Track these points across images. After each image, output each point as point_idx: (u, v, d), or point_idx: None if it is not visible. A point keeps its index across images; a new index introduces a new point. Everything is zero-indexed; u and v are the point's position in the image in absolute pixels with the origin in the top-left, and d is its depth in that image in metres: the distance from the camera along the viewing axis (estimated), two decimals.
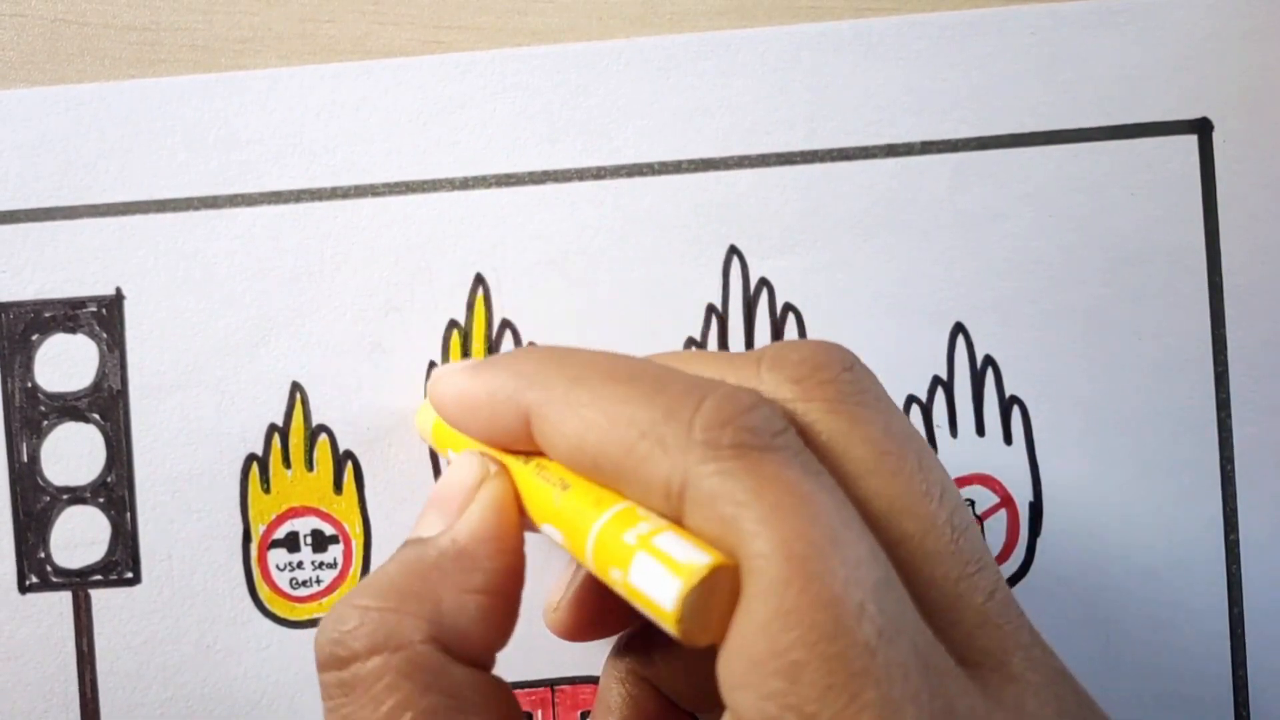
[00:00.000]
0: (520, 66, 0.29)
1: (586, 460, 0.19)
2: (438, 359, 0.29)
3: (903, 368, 0.30)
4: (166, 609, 0.29)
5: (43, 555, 0.29)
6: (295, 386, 0.29)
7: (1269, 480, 0.30)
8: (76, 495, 0.29)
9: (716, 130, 0.29)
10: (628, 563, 0.17)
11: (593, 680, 0.30)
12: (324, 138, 0.29)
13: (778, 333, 0.30)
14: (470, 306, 0.29)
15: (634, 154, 0.29)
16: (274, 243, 0.29)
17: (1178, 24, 0.29)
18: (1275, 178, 0.29)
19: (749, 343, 0.30)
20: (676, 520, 0.18)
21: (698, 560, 0.17)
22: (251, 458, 0.29)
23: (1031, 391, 0.30)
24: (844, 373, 0.20)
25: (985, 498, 0.30)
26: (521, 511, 0.21)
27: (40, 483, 0.29)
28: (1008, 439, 0.30)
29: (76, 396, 0.29)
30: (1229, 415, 0.30)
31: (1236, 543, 0.30)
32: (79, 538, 0.29)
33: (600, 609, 0.23)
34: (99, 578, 0.29)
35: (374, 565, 0.30)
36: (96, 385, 0.29)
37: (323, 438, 0.29)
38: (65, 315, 0.29)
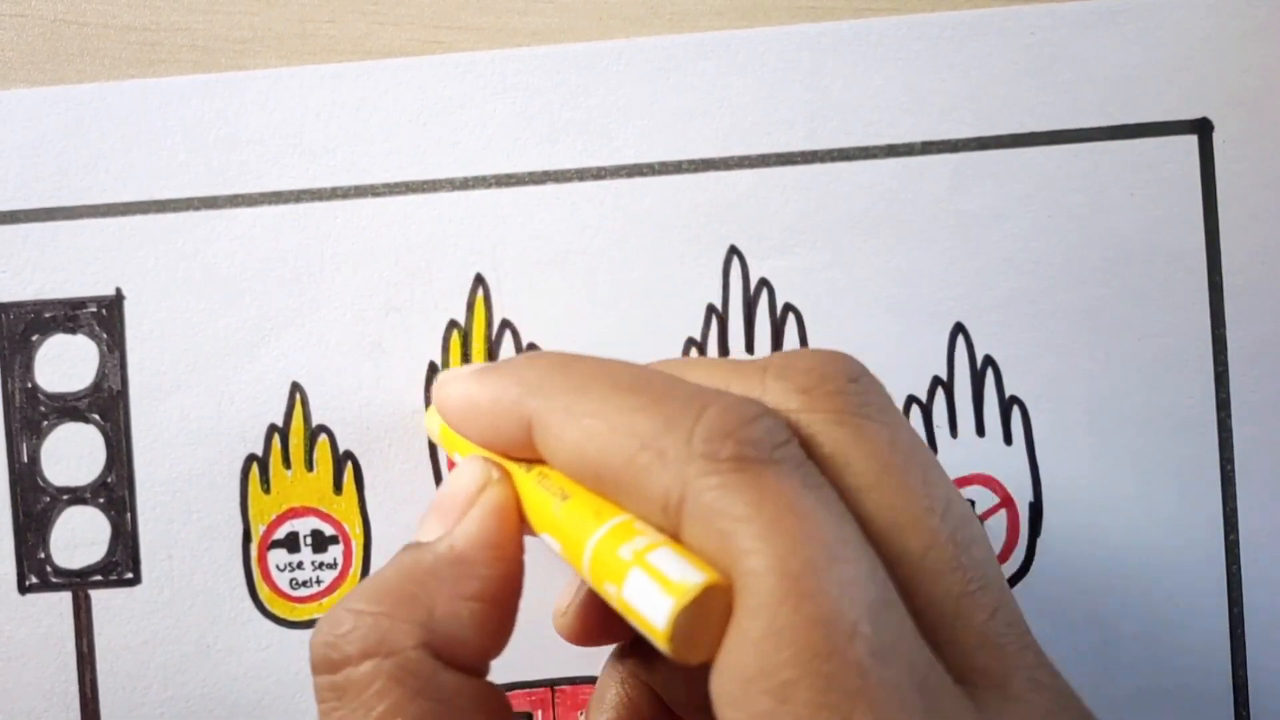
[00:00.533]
0: (520, 67, 0.29)
1: (587, 470, 0.19)
2: (438, 359, 0.29)
3: (903, 368, 0.30)
4: (166, 609, 0.29)
5: (43, 556, 0.29)
6: (295, 386, 0.29)
7: (1269, 480, 0.30)
8: (76, 496, 0.29)
9: (716, 130, 0.29)
10: (622, 578, 0.17)
11: (593, 681, 0.30)
12: (324, 138, 0.29)
13: (778, 333, 0.30)
14: (470, 306, 0.29)
15: (634, 154, 0.29)
16: (274, 243, 0.29)
17: (1178, 24, 0.29)
18: (1275, 178, 0.29)
19: (749, 343, 0.30)
20: (675, 533, 0.18)
21: (691, 579, 0.17)
22: (251, 458, 0.29)
23: (1031, 392, 0.30)
24: (850, 384, 0.20)
25: (985, 498, 0.30)
26: (522, 519, 0.21)
27: (40, 483, 0.29)
28: (1008, 439, 0.30)
29: (76, 397, 0.29)
30: (1229, 415, 0.30)
31: (1236, 543, 0.30)
32: (79, 538, 0.29)
33: (608, 615, 0.23)
34: (99, 578, 0.29)
35: (374, 566, 0.30)
36: (96, 385, 0.29)
37: (323, 438, 0.29)
38: (65, 315, 0.29)
